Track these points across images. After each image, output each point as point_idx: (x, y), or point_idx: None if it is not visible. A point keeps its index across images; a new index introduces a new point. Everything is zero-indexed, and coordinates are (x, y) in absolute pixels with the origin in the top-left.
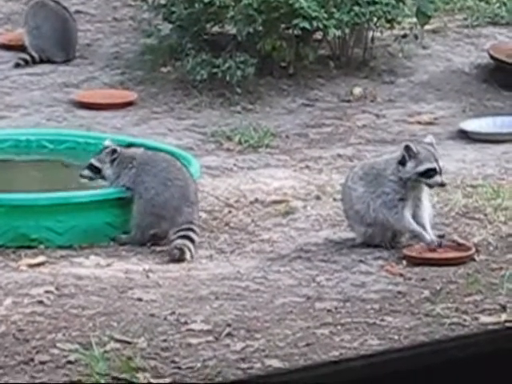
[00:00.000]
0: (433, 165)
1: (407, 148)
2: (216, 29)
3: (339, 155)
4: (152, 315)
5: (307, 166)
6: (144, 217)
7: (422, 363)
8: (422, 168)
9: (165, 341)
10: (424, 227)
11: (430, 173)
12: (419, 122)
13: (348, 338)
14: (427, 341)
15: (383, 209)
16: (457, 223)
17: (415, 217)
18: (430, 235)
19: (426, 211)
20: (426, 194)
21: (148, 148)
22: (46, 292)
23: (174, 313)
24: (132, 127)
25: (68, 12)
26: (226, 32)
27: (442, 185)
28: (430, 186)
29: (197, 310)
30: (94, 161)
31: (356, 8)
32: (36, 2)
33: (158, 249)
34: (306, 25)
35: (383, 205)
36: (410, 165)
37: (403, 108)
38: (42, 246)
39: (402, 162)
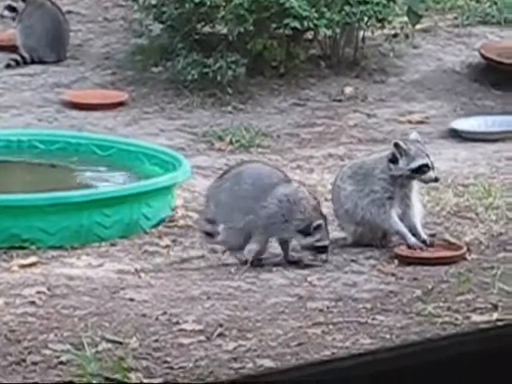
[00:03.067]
0: (425, 160)
1: (397, 146)
2: (207, 29)
3: (330, 155)
4: (144, 315)
5: (298, 166)
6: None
7: (414, 362)
8: (415, 164)
9: (156, 341)
10: (415, 227)
11: (423, 169)
12: (410, 122)
13: (340, 338)
14: (419, 340)
15: (371, 208)
16: (448, 222)
17: (405, 216)
18: (421, 235)
19: (417, 210)
20: (416, 194)
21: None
22: (38, 292)
23: (165, 313)
24: (123, 127)
25: (61, 13)
26: (217, 32)
27: (436, 180)
28: (425, 182)
29: (188, 310)
30: None
31: (347, 8)
32: (33, 1)
33: (151, 249)
34: (297, 24)
35: (371, 203)
36: (402, 162)
37: (394, 107)
38: (33, 247)
39: (394, 160)
